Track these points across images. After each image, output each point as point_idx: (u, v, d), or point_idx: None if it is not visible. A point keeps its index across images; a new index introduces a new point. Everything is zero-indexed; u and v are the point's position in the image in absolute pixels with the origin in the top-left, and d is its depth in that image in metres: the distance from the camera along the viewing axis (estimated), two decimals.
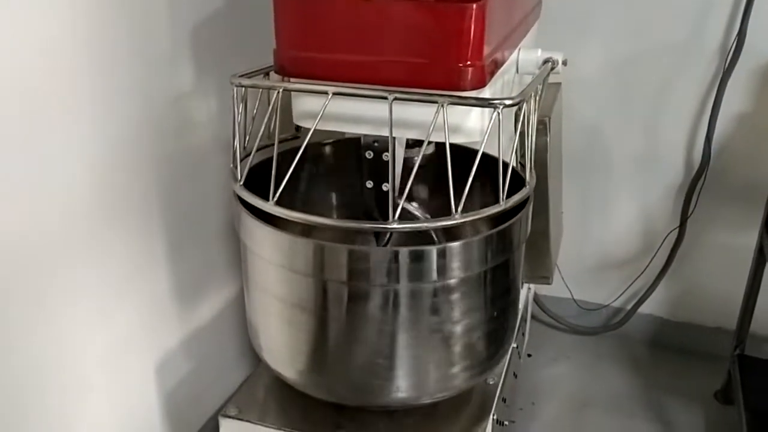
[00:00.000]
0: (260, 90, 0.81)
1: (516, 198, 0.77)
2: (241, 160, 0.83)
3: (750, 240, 1.29)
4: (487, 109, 0.75)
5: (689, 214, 1.39)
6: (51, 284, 0.81)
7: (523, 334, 1.29)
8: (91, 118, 0.82)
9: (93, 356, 0.91)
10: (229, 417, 0.91)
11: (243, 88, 0.80)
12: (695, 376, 1.43)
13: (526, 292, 1.25)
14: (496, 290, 0.84)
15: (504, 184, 0.74)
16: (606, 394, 1.40)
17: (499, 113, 0.71)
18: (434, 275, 0.77)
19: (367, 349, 0.81)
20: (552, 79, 1.25)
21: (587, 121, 1.40)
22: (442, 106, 0.71)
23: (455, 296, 0.80)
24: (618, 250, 1.50)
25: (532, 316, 1.60)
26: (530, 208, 0.87)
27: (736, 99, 1.29)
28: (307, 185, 1.04)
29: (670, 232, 1.42)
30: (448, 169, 0.71)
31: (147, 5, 0.88)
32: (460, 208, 0.71)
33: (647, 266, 1.47)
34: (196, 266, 1.08)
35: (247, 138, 0.86)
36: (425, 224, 0.72)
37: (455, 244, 0.76)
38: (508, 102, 0.71)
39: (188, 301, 1.08)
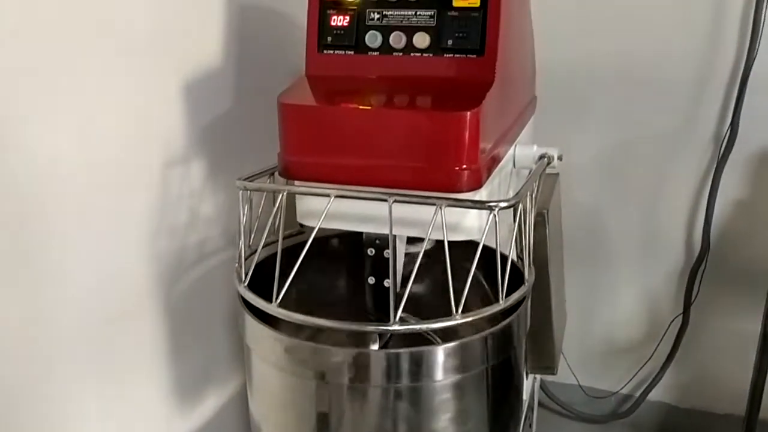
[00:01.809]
0: (268, 195, 0.84)
1: (515, 296, 0.78)
2: (245, 259, 0.85)
3: (755, 325, 1.28)
4: (489, 212, 0.77)
5: (693, 300, 1.39)
6: (51, 381, 0.82)
7: (530, 426, 1.26)
8: (103, 218, 0.85)
9: None
10: None
11: (249, 192, 0.83)
12: None
13: (531, 381, 1.23)
14: (499, 387, 0.84)
15: (503, 283, 0.75)
16: None
17: (495, 215, 0.73)
18: (435, 375, 0.77)
19: None
20: (549, 169, 1.29)
21: (586, 209, 1.42)
22: (440, 207, 0.73)
23: (457, 395, 0.80)
24: (623, 337, 1.49)
25: (539, 404, 1.58)
26: (528, 303, 0.87)
27: (732, 186, 1.32)
28: (313, 279, 1.05)
29: (675, 317, 1.42)
30: (447, 270, 0.72)
31: (161, 105, 0.93)
32: (460, 309, 0.72)
33: (654, 352, 1.46)
34: (199, 361, 1.08)
35: (252, 236, 0.88)
36: (425, 326, 0.73)
37: (454, 344, 0.76)
38: (503, 204, 0.73)
39: (190, 396, 1.08)
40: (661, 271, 1.42)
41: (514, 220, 0.81)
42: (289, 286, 0.75)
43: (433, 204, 0.73)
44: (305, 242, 0.80)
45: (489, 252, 0.76)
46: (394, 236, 0.84)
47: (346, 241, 1.06)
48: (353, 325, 0.72)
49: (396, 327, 0.70)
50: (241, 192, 0.82)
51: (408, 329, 0.70)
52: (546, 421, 1.55)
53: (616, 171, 1.39)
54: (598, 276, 1.46)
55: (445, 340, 0.81)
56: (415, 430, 0.79)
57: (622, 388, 1.51)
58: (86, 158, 0.82)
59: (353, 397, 0.78)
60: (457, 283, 0.73)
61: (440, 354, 0.76)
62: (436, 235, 0.75)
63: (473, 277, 0.95)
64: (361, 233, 0.90)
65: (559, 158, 1.01)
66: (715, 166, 1.31)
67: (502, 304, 0.75)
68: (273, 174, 0.88)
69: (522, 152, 0.99)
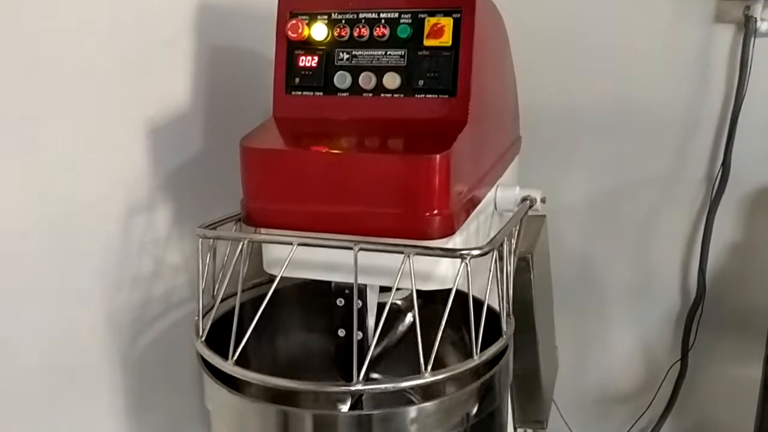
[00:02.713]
0: (231, 244, 0.80)
1: (492, 350, 0.73)
2: (206, 312, 0.80)
3: (755, 370, 1.23)
4: (460, 261, 0.72)
5: (690, 346, 1.33)
6: None
7: None
8: (59, 269, 0.81)
9: None
10: None
11: (210, 240, 0.79)
12: None
13: None
14: None
15: (477, 336, 0.70)
16: None
17: (467, 264, 0.68)
18: None
19: None
20: (533, 212, 1.25)
21: (576, 252, 1.38)
22: (408, 256, 0.68)
23: None
24: (619, 385, 1.43)
25: None
26: (510, 356, 0.82)
27: (726, 228, 1.27)
28: (281, 331, 1.00)
29: (673, 365, 1.36)
30: (416, 323, 0.68)
31: (125, 150, 0.89)
32: (429, 366, 0.67)
33: (652, 401, 1.39)
34: (162, 423, 1.02)
35: (219, 286, 0.83)
36: (392, 385, 0.67)
37: (429, 404, 0.71)
38: (475, 252, 0.68)
39: None
40: (657, 316, 1.36)
41: (491, 268, 0.77)
42: (257, 343, 0.70)
43: (401, 252, 0.68)
44: (270, 293, 0.75)
45: (474, 302, 0.71)
46: (363, 286, 0.80)
47: (320, 291, 1.00)
48: (312, 385, 0.66)
49: (359, 387, 0.65)
50: (201, 240, 0.78)
51: (371, 389, 0.65)
52: None
53: (606, 214, 1.35)
54: (591, 322, 1.41)
55: (426, 399, 0.76)
56: None
57: None
58: (42, 207, 0.77)
59: None
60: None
61: (414, 414, 0.70)
62: (405, 284, 0.70)
63: (459, 329, 0.90)
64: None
65: (542, 201, 0.97)
66: (708, 207, 1.26)
67: (476, 359, 0.70)
68: (239, 221, 0.84)
69: (503, 194, 0.95)
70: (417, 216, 0.70)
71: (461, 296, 0.71)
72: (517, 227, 0.89)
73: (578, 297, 1.40)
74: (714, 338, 1.33)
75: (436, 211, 0.70)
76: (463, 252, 0.68)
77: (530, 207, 0.94)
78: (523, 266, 1.02)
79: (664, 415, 1.40)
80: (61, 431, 0.84)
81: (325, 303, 0.92)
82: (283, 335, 1.00)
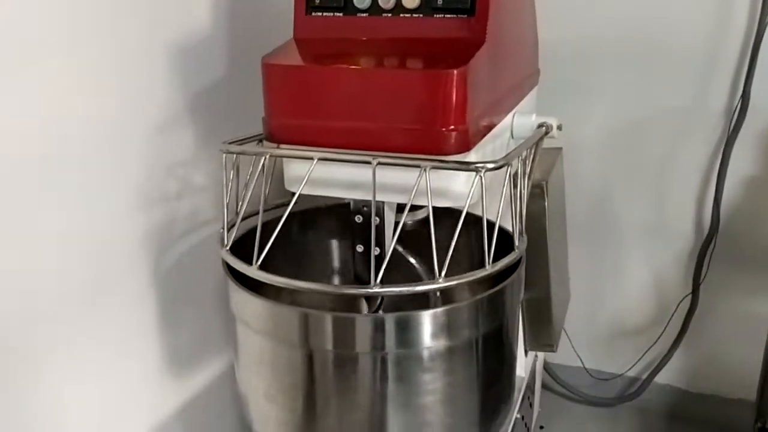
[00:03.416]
0: (259, 159, 0.82)
1: (504, 262, 0.76)
2: (231, 227, 0.83)
3: (765, 306, 1.25)
4: (475, 174, 0.74)
5: (701, 280, 1.35)
6: (39, 355, 0.81)
7: (531, 405, 1.24)
8: (87, 184, 0.84)
9: (86, 426, 0.89)
10: None
11: (234, 155, 0.81)
12: None
13: (532, 360, 1.21)
14: (490, 357, 0.81)
15: (490, 248, 0.73)
16: None
17: (482, 177, 0.70)
18: (422, 341, 0.75)
19: (355, 418, 0.79)
20: (552, 144, 1.26)
21: (593, 187, 1.39)
22: (425, 170, 0.71)
23: (446, 363, 0.78)
24: (631, 318, 1.46)
25: (546, 387, 1.55)
26: (522, 272, 0.85)
27: (743, 161, 1.28)
28: (303, 252, 1.04)
29: (683, 299, 1.39)
30: (431, 233, 0.70)
31: (150, 73, 0.91)
32: (443, 273, 0.70)
33: (661, 334, 1.42)
34: (191, 335, 1.07)
35: (239, 204, 0.87)
36: (407, 288, 0.71)
37: (441, 309, 0.74)
38: (490, 165, 0.71)
39: (182, 370, 1.07)
40: (670, 251, 1.38)
41: (504, 184, 0.79)
42: (280, 262, 0.74)
43: (418, 166, 0.71)
44: (295, 210, 0.79)
45: (487, 225, 0.74)
46: (381, 203, 0.83)
47: (339, 212, 1.04)
48: (332, 287, 0.70)
49: (376, 289, 0.68)
50: (225, 156, 0.81)
51: (387, 292, 0.68)
52: (551, 404, 1.52)
53: (623, 148, 1.36)
54: (605, 257, 1.43)
55: None
56: (401, 399, 0.77)
57: (628, 370, 1.48)
58: (75, 125, 0.80)
59: (338, 363, 0.76)
60: (454, 252, 0.71)
61: (427, 318, 0.74)
62: (422, 201, 0.72)
63: (472, 256, 0.93)
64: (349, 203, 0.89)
65: (559, 128, 0.98)
66: (725, 140, 1.27)
67: (489, 269, 0.73)
68: (261, 141, 0.87)
69: (520, 121, 0.96)
70: (434, 131, 0.72)
71: (475, 219, 0.73)
72: (532, 151, 0.91)
73: (593, 231, 1.42)
74: (725, 273, 1.34)
75: (452, 127, 0.72)
76: (478, 165, 0.70)
77: (546, 133, 0.95)
78: (538, 193, 1.04)
79: (673, 348, 1.43)
80: (95, 339, 0.89)
81: (345, 224, 0.96)
82: (305, 255, 1.03)
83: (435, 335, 0.75)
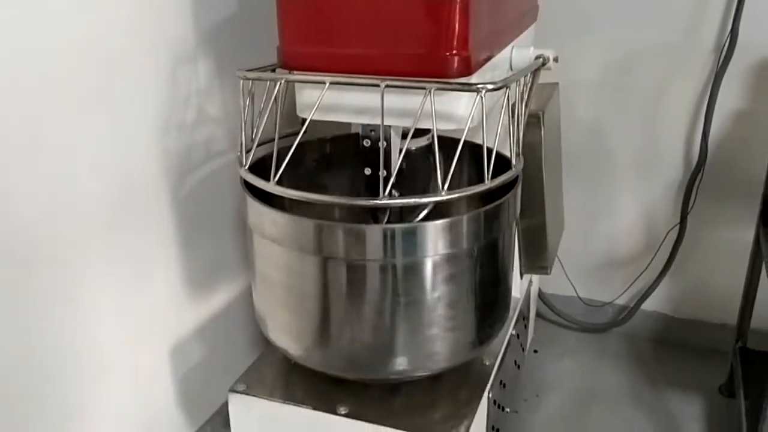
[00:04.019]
0: (268, 84, 0.88)
1: (502, 178, 0.82)
2: (248, 150, 0.89)
3: (750, 235, 1.32)
4: (476, 99, 0.80)
5: (689, 210, 1.42)
6: (68, 273, 0.88)
7: (526, 327, 1.33)
8: (110, 114, 0.90)
9: (108, 342, 0.97)
10: (238, 392, 0.97)
11: (250, 81, 0.87)
12: (700, 372, 1.45)
13: (527, 284, 1.29)
14: (486, 268, 0.89)
15: (489, 166, 0.79)
16: (610, 388, 1.43)
17: (482, 97, 0.76)
18: (426, 250, 0.82)
19: (363, 323, 0.86)
20: (549, 78, 1.31)
21: (587, 122, 1.45)
22: (430, 91, 0.76)
23: (448, 270, 0.85)
24: (621, 248, 1.54)
25: (541, 315, 1.64)
26: (518, 190, 0.92)
27: (731, 96, 1.33)
28: (317, 178, 1.10)
29: (671, 228, 1.46)
30: (435, 151, 0.77)
31: (171, 7, 0.96)
32: (446, 186, 0.76)
33: (650, 263, 1.50)
34: (209, 257, 1.15)
35: (255, 130, 0.93)
36: (413, 200, 0.77)
37: (444, 221, 0.81)
38: (490, 86, 0.76)
39: (201, 290, 1.14)
40: (661, 182, 1.44)
41: (503, 105, 0.84)
42: (296, 185, 0.80)
43: (423, 87, 0.77)
44: (308, 140, 0.84)
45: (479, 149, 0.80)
46: (387, 128, 0.89)
47: (348, 142, 1.10)
48: (342, 199, 0.76)
49: (384, 201, 0.75)
50: (242, 82, 0.86)
51: (394, 203, 0.75)
52: (546, 330, 1.61)
53: (617, 84, 1.41)
54: (599, 190, 1.50)
55: None
56: (408, 303, 0.85)
57: (617, 298, 1.57)
58: (95, 53, 0.86)
59: (350, 271, 0.83)
60: (456, 179, 0.77)
61: (432, 229, 0.81)
62: (426, 124, 0.78)
63: (475, 180, 0.99)
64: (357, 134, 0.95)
65: (555, 60, 1.03)
66: (714, 76, 1.32)
67: (488, 183, 0.79)
68: (275, 70, 0.92)
69: (519, 53, 1.01)
70: (439, 55, 0.78)
71: (474, 148, 0.79)
72: (529, 79, 0.97)
73: (587, 165, 1.48)
74: (712, 203, 1.41)
75: (455, 51, 0.78)
76: (479, 86, 0.76)
77: (543, 64, 1.01)
78: (534, 122, 1.09)
79: (660, 276, 1.50)
80: (119, 253, 0.96)
81: (354, 153, 1.01)
82: (317, 183, 1.10)
83: (438, 245, 0.82)
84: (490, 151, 0.80)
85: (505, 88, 0.80)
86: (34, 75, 0.78)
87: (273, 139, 0.91)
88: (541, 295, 1.60)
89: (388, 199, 0.75)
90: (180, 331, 1.12)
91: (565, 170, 1.43)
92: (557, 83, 1.30)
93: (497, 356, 1.04)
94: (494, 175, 0.82)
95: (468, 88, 0.77)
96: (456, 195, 0.77)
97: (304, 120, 0.95)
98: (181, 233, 1.06)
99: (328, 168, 1.10)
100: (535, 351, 1.54)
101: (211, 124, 1.08)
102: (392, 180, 0.77)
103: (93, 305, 0.93)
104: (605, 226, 1.53)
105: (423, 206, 0.90)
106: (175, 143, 1.02)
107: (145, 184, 0.98)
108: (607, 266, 1.56)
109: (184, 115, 1.03)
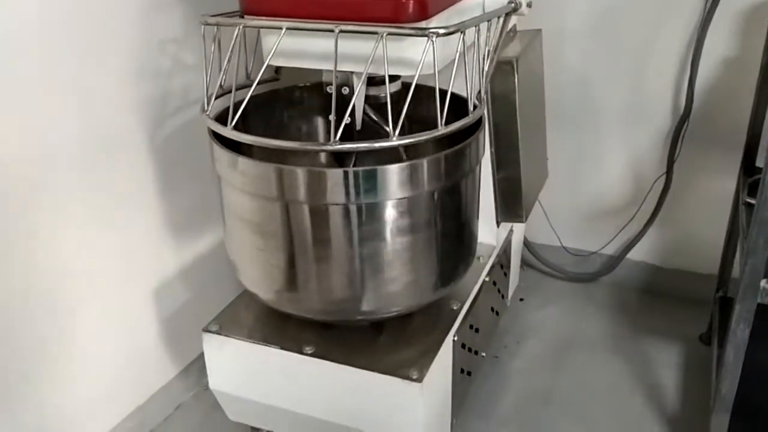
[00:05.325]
0: (235, 31, 0.89)
1: (457, 125, 0.83)
2: (217, 98, 0.91)
3: (734, 184, 1.31)
4: (426, 44, 0.80)
5: (675, 159, 1.41)
6: (47, 216, 0.92)
7: (506, 275, 1.34)
8: (83, 58, 0.92)
9: (90, 282, 1.01)
10: (211, 332, 1.01)
11: (214, 27, 0.88)
12: (684, 321, 1.47)
13: (507, 233, 1.30)
14: (448, 212, 0.90)
15: (442, 111, 0.80)
16: (591, 335, 1.45)
17: (433, 42, 0.76)
18: (387, 193, 0.84)
19: (327, 266, 0.89)
20: (531, 25, 1.29)
21: (574, 70, 1.43)
22: (382, 36, 0.77)
23: (407, 213, 0.87)
24: (608, 198, 1.54)
25: (530, 265, 1.66)
26: (480, 135, 0.92)
27: (718, 43, 1.30)
28: (286, 127, 1.11)
29: (658, 178, 1.45)
30: (387, 96, 0.78)
31: None
32: (397, 131, 0.77)
33: (636, 213, 1.50)
34: (190, 203, 1.18)
35: (223, 77, 0.94)
36: (364, 145, 0.79)
37: (403, 164, 0.83)
38: (441, 31, 0.76)
39: (183, 233, 1.18)
40: (647, 132, 1.43)
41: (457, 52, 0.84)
42: (263, 133, 0.81)
43: (376, 32, 0.77)
44: (283, 87, 0.84)
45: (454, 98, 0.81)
46: (350, 74, 0.90)
47: (317, 89, 1.10)
48: (296, 144, 0.78)
49: (336, 146, 0.76)
50: (203, 27, 0.87)
51: (345, 148, 0.76)
52: (533, 279, 1.63)
53: (604, 33, 1.39)
54: (586, 140, 1.49)
55: None
56: (369, 244, 0.87)
57: (604, 247, 1.57)
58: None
59: (312, 214, 0.85)
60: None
61: (391, 171, 0.83)
62: (381, 70, 0.79)
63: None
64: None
65: (528, 5, 1.02)
66: (700, 24, 1.29)
67: (441, 129, 0.80)
68: (243, 16, 0.93)
69: None
70: None
71: (439, 92, 0.79)
72: (498, 26, 0.96)
73: (574, 115, 1.47)
74: (698, 152, 1.40)
75: None
76: (430, 30, 0.76)
77: (515, 10, 1.00)
78: (508, 69, 1.09)
79: (647, 226, 1.51)
80: (98, 197, 0.99)
81: (323, 100, 1.02)
82: (287, 130, 1.11)
83: (398, 187, 0.84)
84: (444, 95, 0.81)
85: (460, 33, 0.80)
86: (7, 21, 0.80)
87: (243, 87, 0.92)
88: (528, 245, 1.62)
89: (339, 144, 0.77)
90: (163, 273, 1.16)
91: (551, 119, 1.42)
92: (539, 30, 1.29)
93: (465, 301, 1.06)
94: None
95: (420, 33, 0.77)
96: (406, 140, 0.78)
97: (277, 68, 0.96)
98: (159, 178, 1.09)
99: (299, 116, 1.11)
100: (521, 299, 1.56)
101: (187, 72, 1.10)
102: (343, 124, 0.78)
103: (74, 247, 0.97)
104: (592, 176, 1.52)
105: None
106: (151, 90, 1.04)
107: (122, 130, 1.00)
108: (594, 216, 1.57)
109: (159, 62, 1.04)
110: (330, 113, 0.95)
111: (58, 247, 0.95)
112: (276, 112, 1.09)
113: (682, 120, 1.37)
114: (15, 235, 0.88)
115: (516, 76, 1.09)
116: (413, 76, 0.81)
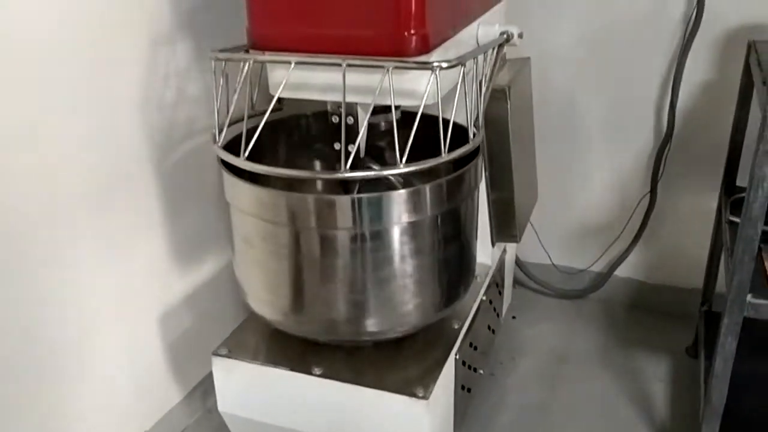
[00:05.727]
0: (241, 64, 0.93)
1: (459, 151, 0.87)
2: (222, 129, 0.94)
3: (716, 201, 1.37)
4: (431, 72, 0.84)
5: (658, 178, 1.47)
6: (58, 247, 0.94)
7: (500, 293, 1.38)
8: (94, 87, 0.95)
9: (97, 309, 1.03)
10: (220, 356, 1.03)
11: (222, 62, 0.92)
12: (670, 335, 1.52)
13: (500, 253, 1.34)
14: (449, 235, 0.94)
15: (445, 139, 0.84)
16: (583, 350, 1.49)
17: (437, 75, 0.81)
18: (392, 218, 0.87)
19: (334, 289, 0.92)
20: (520, 54, 1.35)
21: (561, 94, 1.49)
22: (388, 70, 0.81)
23: (413, 236, 0.90)
24: (595, 217, 1.59)
25: (521, 283, 1.70)
26: (479, 161, 0.97)
27: (698, 67, 1.37)
28: (290, 154, 1.15)
29: (643, 197, 1.51)
30: (394, 125, 0.82)
31: None
32: (404, 159, 0.81)
33: (623, 231, 1.55)
34: (195, 229, 1.20)
35: (229, 107, 0.97)
36: (373, 172, 0.83)
37: (407, 190, 0.87)
38: (444, 65, 0.81)
39: (188, 260, 1.20)
40: (632, 152, 1.49)
41: (459, 84, 0.88)
42: (269, 163, 0.85)
43: (382, 66, 0.81)
44: (282, 117, 0.87)
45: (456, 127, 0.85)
46: (354, 104, 0.94)
47: (321, 118, 1.14)
48: (307, 173, 0.82)
49: (346, 174, 0.80)
50: (213, 62, 0.91)
51: (354, 176, 0.81)
52: (524, 297, 1.68)
53: (590, 56, 1.45)
54: (572, 158, 1.54)
55: None
56: (377, 267, 0.90)
57: (592, 265, 1.62)
58: (74, 33, 0.90)
59: (322, 240, 0.88)
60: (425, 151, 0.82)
61: (396, 197, 0.87)
62: (387, 101, 0.83)
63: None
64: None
65: (520, 36, 1.07)
66: (682, 47, 1.36)
67: (444, 156, 0.84)
68: (248, 51, 0.96)
69: (484, 30, 1.06)
70: (396, 35, 0.82)
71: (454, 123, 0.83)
72: (492, 55, 1.01)
73: (561, 136, 1.52)
74: (681, 171, 1.46)
75: (413, 30, 0.82)
76: (434, 64, 0.81)
77: (507, 40, 1.05)
78: (500, 96, 1.14)
79: (633, 243, 1.56)
80: (109, 227, 1.01)
81: (327, 129, 1.06)
82: (293, 159, 1.14)
83: (403, 213, 0.88)
84: (447, 124, 0.85)
85: (460, 66, 0.84)
86: (17, 57, 0.83)
87: (249, 117, 0.95)
88: (519, 264, 1.66)
89: (348, 172, 0.80)
90: (168, 299, 1.18)
91: (539, 141, 1.47)
92: (528, 58, 1.34)
93: (465, 320, 1.10)
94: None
95: (424, 66, 0.82)
96: (413, 168, 0.82)
97: (280, 99, 1.00)
98: (166, 207, 1.12)
99: (304, 144, 1.15)
100: (513, 317, 1.60)
101: (191, 103, 1.13)
102: (353, 154, 0.82)
103: (82, 277, 0.99)
104: (580, 196, 1.58)
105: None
106: (157, 120, 1.07)
107: (130, 161, 1.03)
108: (582, 235, 1.62)
109: (163, 94, 1.07)
110: (329, 140, 1.01)
111: (65, 276, 0.97)
112: (280, 142, 1.13)
113: (665, 141, 1.43)
114: (24, 263, 0.90)
115: (508, 102, 1.14)
116: (417, 106, 0.85)
